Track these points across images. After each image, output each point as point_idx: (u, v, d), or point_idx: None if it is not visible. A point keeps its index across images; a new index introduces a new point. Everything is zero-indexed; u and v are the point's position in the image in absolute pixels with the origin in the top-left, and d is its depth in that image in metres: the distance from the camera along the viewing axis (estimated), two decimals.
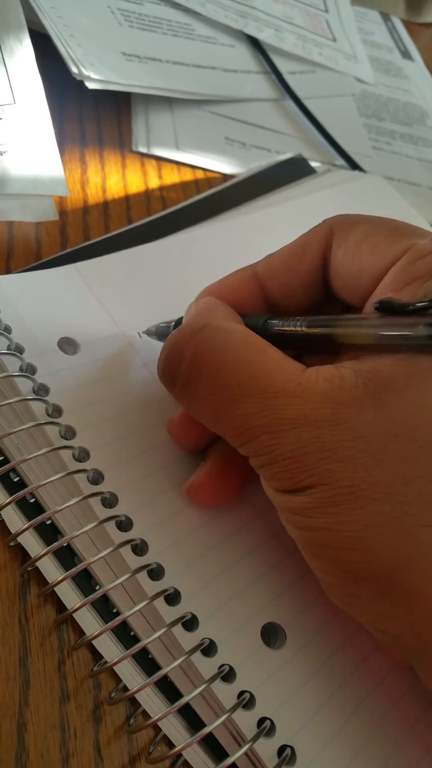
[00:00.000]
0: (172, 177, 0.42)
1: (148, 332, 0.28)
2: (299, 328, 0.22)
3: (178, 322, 0.26)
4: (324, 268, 0.24)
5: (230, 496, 0.25)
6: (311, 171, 0.46)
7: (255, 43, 0.55)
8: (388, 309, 0.20)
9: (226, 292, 0.25)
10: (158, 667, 0.22)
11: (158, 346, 0.29)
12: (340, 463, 0.19)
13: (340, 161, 0.50)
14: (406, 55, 0.71)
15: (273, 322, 0.23)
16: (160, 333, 0.28)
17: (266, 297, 0.25)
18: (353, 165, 0.49)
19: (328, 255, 0.24)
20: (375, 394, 0.19)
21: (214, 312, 0.23)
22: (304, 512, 0.19)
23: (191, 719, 0.22)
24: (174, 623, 0.21)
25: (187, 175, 0.43)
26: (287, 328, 0.23)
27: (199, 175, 0.43)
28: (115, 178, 0.40)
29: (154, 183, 0.41)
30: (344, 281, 0.23)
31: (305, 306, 0.25)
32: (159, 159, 0.43)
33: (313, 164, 0.47)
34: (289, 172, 0.45)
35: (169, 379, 0.23)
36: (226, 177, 0.44)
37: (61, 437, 0.24)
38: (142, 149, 0.42)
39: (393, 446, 0.18)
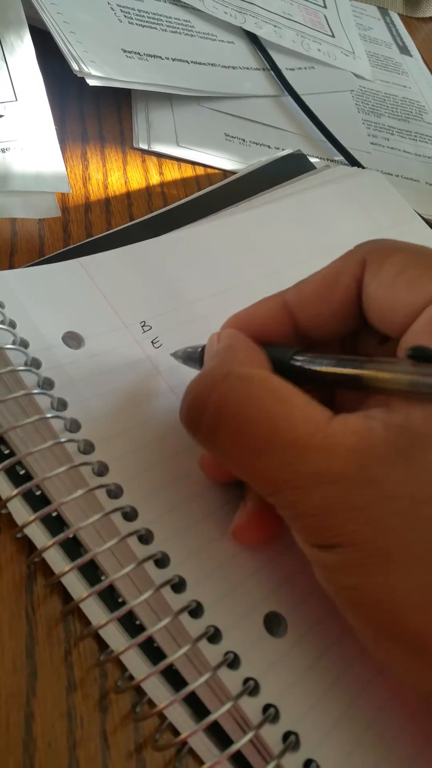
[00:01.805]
0: (172, 173, 0.42)
1: (175, 355, 0.28)
2: (325, 369, 0.21)
3: (204, 348, 0.26)
4: (358, 298, 0.23)
5: (274, 532, 0.24)
6: (310, 167, 0.46)
7: (254, 40, 0.55)
8: (421, 357, 0.19)
9: (254, 321, 0.25)
10: (163, 656, 0.22)
11: (159, 343, 0.29)
12: (368, 524, 0.18)
13: (339, 157, 0.50)
14: (404, 50, 0.71)
15: (299, 358, 0.22)
16: (186, 357, 0.27)
17: (297, 326, 0.24)
18: (352, 161, 0.50)
19: (361, 285, 0.23)
20: (406, 451, 0.18)
21: (237, 354, 0.22)
22: (335, 569, 0.19)
23: (196, 707, 0.22)
24: (181, 611, 0.22)
25: (188, 172, 0.43)
26: (314, 368, 0.22)
27: (200, 171, 0.43)
28: (116, 175, 0.40)
29: (155, 179, 0.41)
30: (378, 315, 0.22)
31: (338, 334, 0.24)
32: (160, 155, 0.43)
33: (313, 160, 0.47)
34: (288, 168, 0.45)
35: (193, 428, 0.22)
36: (226, 173, 0.44)
37: (66, 430, 0.25)
38: (143, 146, 0.42)
39: (425, 510, 0.18)
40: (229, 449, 0.21)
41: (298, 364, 0.22)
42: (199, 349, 0.26)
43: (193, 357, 0.26)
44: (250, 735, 0.20)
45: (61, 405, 0.25)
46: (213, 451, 0.22)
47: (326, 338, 0.25)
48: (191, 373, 0.29)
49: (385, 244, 0.23)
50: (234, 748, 0.20)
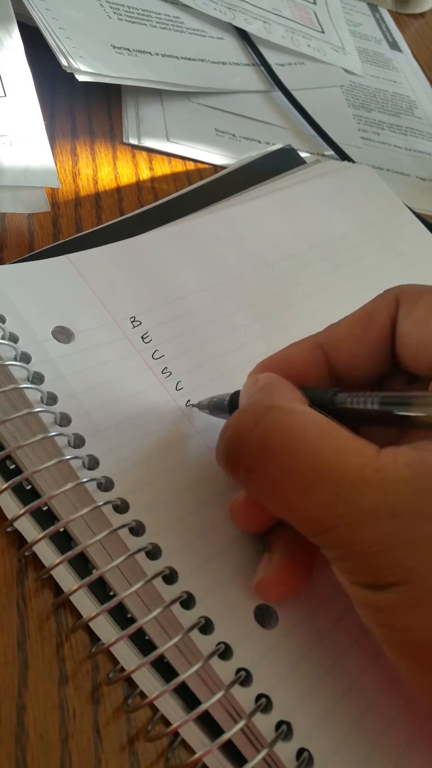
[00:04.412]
0: (163, 168, 0.42)
1: (200, 406, 0.27)
2: (371, 407, 0.21)
3: (233, 396, 0.25)
4: (391, 338, 0.23)
5: (300, 587, 0.24)
6: (301, 161, 0.46)
7: (244, 36, 0.55)
8: None
9: (288, 364, 0.24)
10: (154, 648, 0.22)
11: (149, 338, 0.29)
12: (427, 560, 0.17)
13: (330, 152, 0.50)
14: (394, 46, 0.71)
15: (341, 397, 0.22)
16: (213, 406, 0.26)
17: (331, 368, 0.24)
18: (342, 155, 0.50)
19: (395, 323, 0.23)
20: None
21: (277, 392, 0.22)
22: (389, 610, 0.18)
23: (188, 699, 0.22)
24: (173, 602, 0.22)
25: (178, 167, 0.43)
26: (358, 407, 0.21)
27: (190, 166, 0.43)
28: (106, 170, 0.40)
29: (145, 174, 0.41)
30: (412, 352, 0.22)
31: (371, 376, 0.24)
32: (150, 151, 0.43)
33: (303, 155, 0.47)
34: (278, 163, 0.45)
35: (233, 464, 0.21)
36: (216, 168, 0.44)
37: (56, 424, 0.25)
38: (133, 141, 0.42)
39: None
40: (274, 486, 0.20)
41: (340, 404, 0.22)
42: (226, 400, 0.25)
43: (220, 406, 0.26)
44: (242, 723, 0.20)
45: (51, 399, 0.25)
46: (254, 490, 0.21)
47: (358, 381, 0.24)
48: (184, 368, 0.29)
49: (416, 286, 0.23)
50: (226, 736, 0.21)
